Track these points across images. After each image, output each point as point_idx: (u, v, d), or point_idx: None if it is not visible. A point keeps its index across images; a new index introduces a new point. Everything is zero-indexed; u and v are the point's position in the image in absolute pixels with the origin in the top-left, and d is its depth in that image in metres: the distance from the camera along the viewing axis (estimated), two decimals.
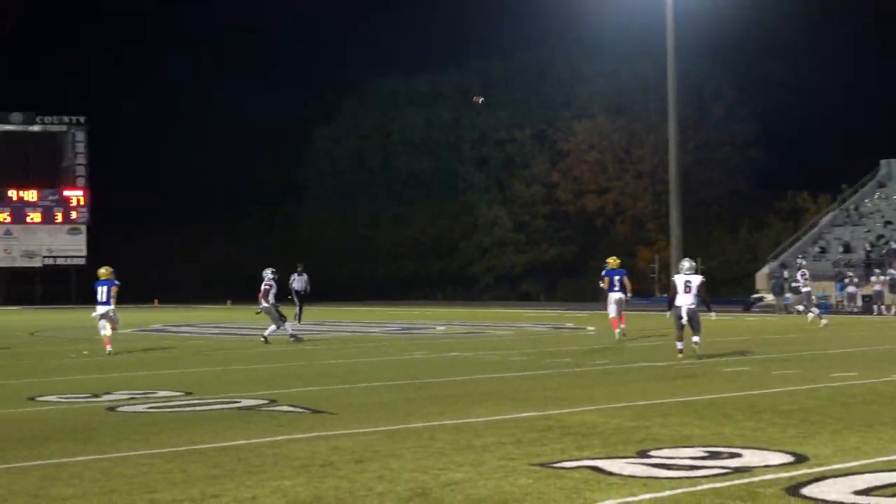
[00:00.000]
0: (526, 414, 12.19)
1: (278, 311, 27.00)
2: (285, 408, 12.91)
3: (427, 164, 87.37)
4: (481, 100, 24.97)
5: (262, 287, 27.20)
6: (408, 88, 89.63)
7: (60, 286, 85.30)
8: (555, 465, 8.79)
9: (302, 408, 12.89)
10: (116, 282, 24.69)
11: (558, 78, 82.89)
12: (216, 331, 34.96)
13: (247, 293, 46.89)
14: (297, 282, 38.99)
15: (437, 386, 15.62)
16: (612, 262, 27.19)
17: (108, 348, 23.81)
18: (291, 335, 27.14)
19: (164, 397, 14.39)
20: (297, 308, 38.07)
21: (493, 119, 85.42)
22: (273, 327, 26.87)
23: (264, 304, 27.13)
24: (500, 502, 7.41)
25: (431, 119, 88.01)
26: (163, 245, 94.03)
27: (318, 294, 74.09)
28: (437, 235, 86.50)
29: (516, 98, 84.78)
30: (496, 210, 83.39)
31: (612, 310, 26.50)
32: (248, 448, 9.82)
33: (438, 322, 39.81)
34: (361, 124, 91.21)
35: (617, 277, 26.73)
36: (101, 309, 24.33)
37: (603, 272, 27.20)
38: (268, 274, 27.38)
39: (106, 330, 24.04)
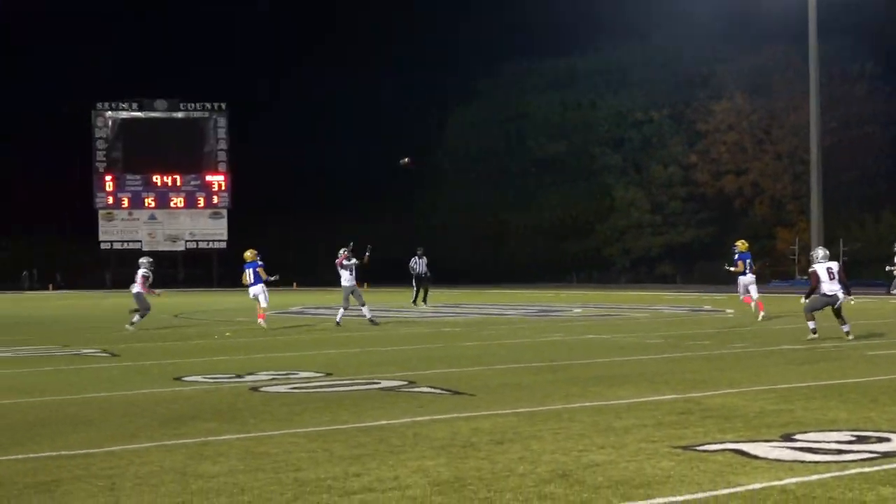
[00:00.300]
0: (666, 396, 12.07)
1: (353, 294, 28.13)
2: (424, 389, 12.98)
3: (562, 146, 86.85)
4: (406, 160, 25.65)
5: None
6: (543, 71, 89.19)
7: (202, 269, 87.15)
8: (697, 447, 8.69)
9: (441, 389, 12.94)
10: (259, 262, 26.82)
11: (696, 57, 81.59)
12: (353, 313, 35.28)
13: (382, 276, 47.41)
14: (418, 265, 40.11)
15: (575, 368, 15.55)
16: (742, 245, 27.91)
17: (261, 321, 26.06)
18: (338, 322, 27.76)
19: (305, 378, 14.57)
20: (415, 291, 39.86)
21: (629, 100, 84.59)
22: (344, 308, 28.22)
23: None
24: (642, 484, 7.34)
25: (567, 101, 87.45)
26: (301, 229, 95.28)
27: (453, 277, 74.54)
28: (573, 217, 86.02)
29: (653, 78, 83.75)
30: (632, 192, 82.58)
31: (743, 290, 27.96)
32: (389, 428, 9.90)
33: (574, 304, 39.64)
34: (496, 107, 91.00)
35: (748, 260, 27.72)
36: (250, 290, 26.80)
37: (735, 256, 27.69)
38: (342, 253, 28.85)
39: (261, 303, 26.60)
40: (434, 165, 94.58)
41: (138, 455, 8.73)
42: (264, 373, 15.22)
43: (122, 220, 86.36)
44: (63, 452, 8.89)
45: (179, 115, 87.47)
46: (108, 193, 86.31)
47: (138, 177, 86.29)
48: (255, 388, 13.28)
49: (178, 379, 14.64)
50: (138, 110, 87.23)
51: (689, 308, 35.53)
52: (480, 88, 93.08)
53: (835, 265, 19.90)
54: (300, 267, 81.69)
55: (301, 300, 47.73)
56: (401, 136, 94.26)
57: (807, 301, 20.11)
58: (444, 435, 9.46)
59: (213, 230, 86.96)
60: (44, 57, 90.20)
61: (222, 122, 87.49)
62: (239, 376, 14.81)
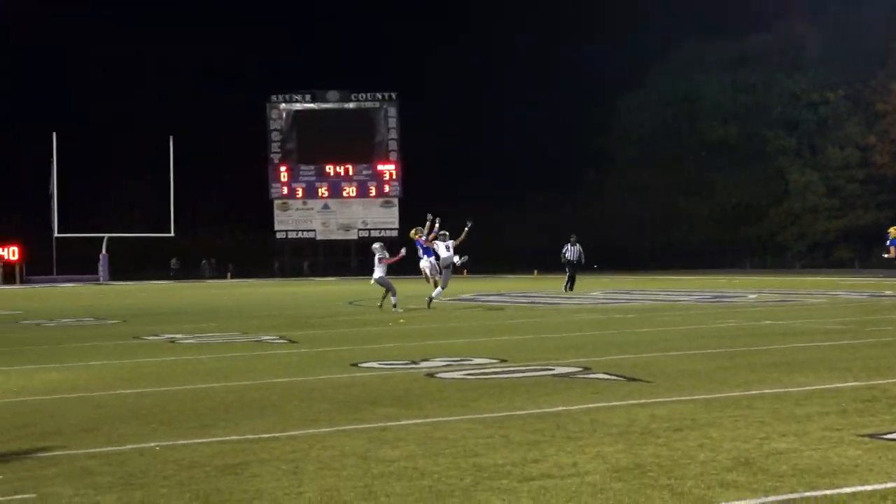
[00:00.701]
0: (848, 383, 11.76)
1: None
2: (600, 375, 12.91)
3: (734, 130, 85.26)
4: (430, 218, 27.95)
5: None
6: (714, 52, 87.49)
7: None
8: (884, 436, 8.44)
9: (616, 375, 12.85)
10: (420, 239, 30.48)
11: (873, 34, 79.14)
12: (524, 300, 35.33)
13: (552, 263, 47.28)
14: (570, 252, 41.41)
15: (752, 354, 15.26)
16: (895, 231, 28.47)
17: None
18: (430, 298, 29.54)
19: (480, 364, 14.62)
20: (567, 277, 40.92)
21: (803, 80, 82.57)
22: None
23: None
24: (828, 473, 7.16)
25: (738, 83, 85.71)
26: (468, 216, 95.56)
27: (622, 262, 73.95)
28: (745, 202, 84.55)
29: (828, 58, 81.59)
30: (807, 175, 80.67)
31: None
32: (565, 414, 9.87)
33: (748, 290, 38.94)
34: (666, 90, 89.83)
35: None
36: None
37: (887, 242, 27.99)
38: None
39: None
40: (602, 149, 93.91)
41: (319, 439, 8.88)
42: (439, 359, 15.33)
43: (297, 209, 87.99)
44: (248, 436, 9.10)
45: (351, 105, 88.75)
46: (283, 184, 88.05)
47: (312, 167, 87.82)
48: (430, 374, 13.39)
49: (354, 365, 14.84)
50: (311, 102, 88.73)
51: (869, 293, 34.54)
52: (650, 71, 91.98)
53: None
54: (470, 254, 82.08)
55: (473, 287, 47.98)
56: (569, 120, 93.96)
57: None
58: (622, 421, 9.40)
59: (384, 218, 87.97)
60: (217, 51, 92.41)
61: (392, 111, 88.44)
62: (414, 362, 14.94)
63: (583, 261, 41.62)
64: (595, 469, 7.45)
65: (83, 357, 16.92)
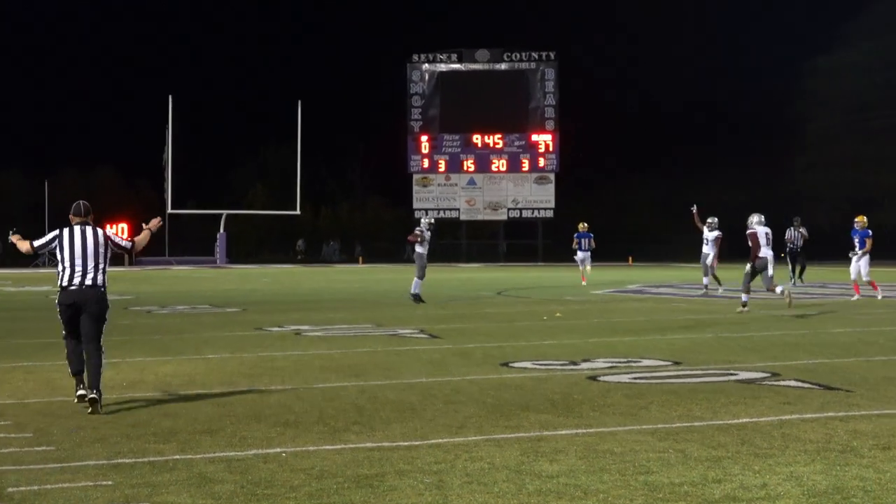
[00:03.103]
0: None
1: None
2: (791, 382, 12.70)
3: None
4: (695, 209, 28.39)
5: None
6: None
7: (526, 241, 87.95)
8: None
9: (810, 383, 12.64)
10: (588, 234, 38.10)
11: None
12: (698, 292, 34.94)
13: (735, 247, 46.65)
14: (793, 236, 40.26)
15: None
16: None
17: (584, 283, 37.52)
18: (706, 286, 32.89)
19: (650, 367, 14.51)
20: (791, 266, 40.05)
21: None
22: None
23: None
24: None
25: None
26: (635, 196, 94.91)
27: (816, 249, 72.48)
28: None
29: None
30: None
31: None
32: (751, 427, 9.74)
33: None
34: (865, 53, 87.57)
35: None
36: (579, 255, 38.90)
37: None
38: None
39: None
40: (788, 121, 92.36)
41: (466, 449, 8.89)
42: (601, 359, 15.26)
43: (439, 185, 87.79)
44: (384, 444, 9.15)
45: (503, 66, 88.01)
46: (424, 156, 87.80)
47: (457, 137, 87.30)
48: (592, 377, 13.33)
49: (504, 364, 14.85)
50: (458, 62, 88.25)
51: None
52: (846, 33, 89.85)
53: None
54: (636, 239, 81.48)
55: (640, 276, 47.61)
56: (754, 84, 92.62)
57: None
58: (818, 437, 9.22)
59: (538, 197, 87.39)
60: (352, 4, 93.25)
61: (551, 73, 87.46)
62: (573, 363, 14.89)
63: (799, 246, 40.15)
64: (788, 492, 7.32)
65: (200, 349, 17.24)
